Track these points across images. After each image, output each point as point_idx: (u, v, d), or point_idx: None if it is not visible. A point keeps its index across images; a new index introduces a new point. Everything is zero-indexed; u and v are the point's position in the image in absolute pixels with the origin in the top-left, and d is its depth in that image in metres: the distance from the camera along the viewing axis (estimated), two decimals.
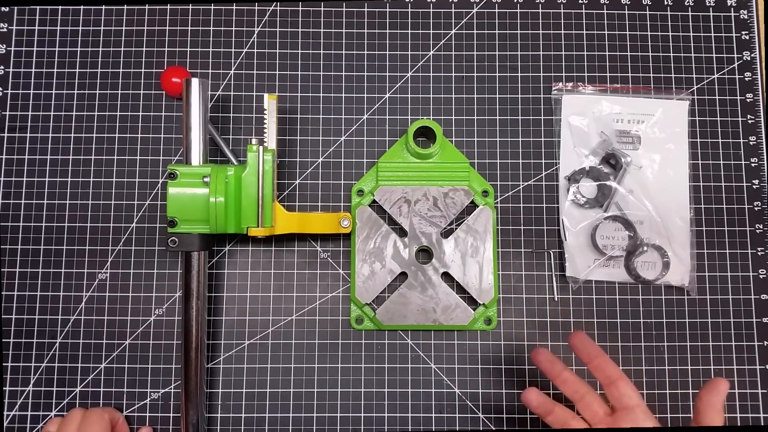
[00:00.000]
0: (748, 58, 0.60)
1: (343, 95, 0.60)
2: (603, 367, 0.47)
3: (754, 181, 0.59)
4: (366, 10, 0.61)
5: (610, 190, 0.57)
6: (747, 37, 0.61)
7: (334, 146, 0.59)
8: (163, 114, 0.59)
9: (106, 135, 0.59)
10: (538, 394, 0.48)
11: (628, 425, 0.45)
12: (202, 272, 0.52)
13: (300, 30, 0.60)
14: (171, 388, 0.56)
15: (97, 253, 0.57)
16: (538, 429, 0.47)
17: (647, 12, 0.61)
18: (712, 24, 0.61)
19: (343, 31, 0.60)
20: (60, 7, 0.60)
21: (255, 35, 0.60)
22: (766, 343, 0.57)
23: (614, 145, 0.58)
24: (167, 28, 0.60)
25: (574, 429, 0.46)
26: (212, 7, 0.60)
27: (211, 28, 0.60)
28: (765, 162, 0.59)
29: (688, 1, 0.61)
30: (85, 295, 0.57)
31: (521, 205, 0.58)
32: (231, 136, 0.59)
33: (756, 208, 0.58)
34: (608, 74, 0.60)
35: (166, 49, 0.60)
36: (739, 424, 0.55)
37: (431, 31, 0.60)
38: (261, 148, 0.51)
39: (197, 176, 0.51)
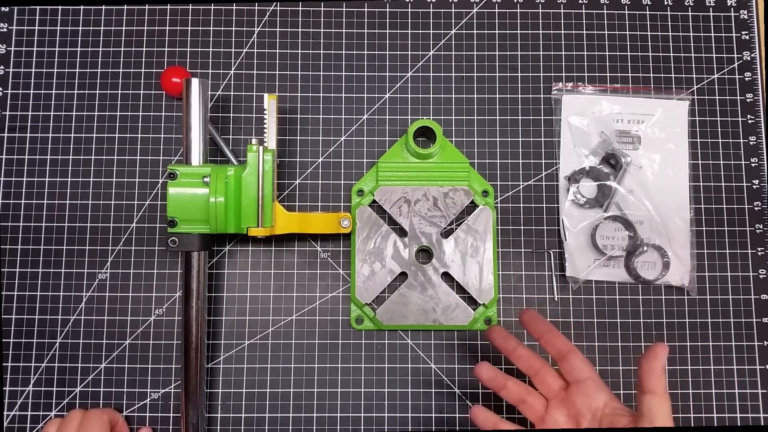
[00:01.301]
0: (748, 58, 0.60)
1: (343, 95, 0.60)
2: (553, 342, 0.47)
3: (754, 181, 0.59)
4: (366, 10, 0.61)
5: (610, 190, 0.57)
6: (747, 37, 0.61)
7: (334, 146, 0.59)
8: (163, 114, 0.59)
9: (106, 135, 0.59)
10: (490, 368, 0.48)
11: (581, 397, 0.45)
12: (202, 272, 0.52)
13: (300, 30, 0.60)
14: (171, 388, 0.56)
15: (97, 253, 0.57)
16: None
17: (647, 12, 0.61)
18: (712, 24, 0.61)
19: (343, 31, 0.60)
20: (60, 7, 0.60)
21: (255, 35, 0.60)
22: (766, 343, 0.57)
23: (614, 145, 0.58)
24: (167, 28, 0.60)
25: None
26: (212, 7, 0.60)
27: (211, 28, 0.60)
28: (765, 162, 0.59)
29: (688, 1, 0.61)
30: (85, 295, 0.57)
31: (521, 205, 0.58)
32: (231, 136, 0.59)
33: (756, 208, 0.58)
34: (608, 74, 0.60)
35: (166, 49, 0.60)
36: (739, 424, 0.55)
37: (431, 31, 0.60)
38: (261, 148, 0.51)
39: (197, 176, 0.51)
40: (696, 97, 0.60)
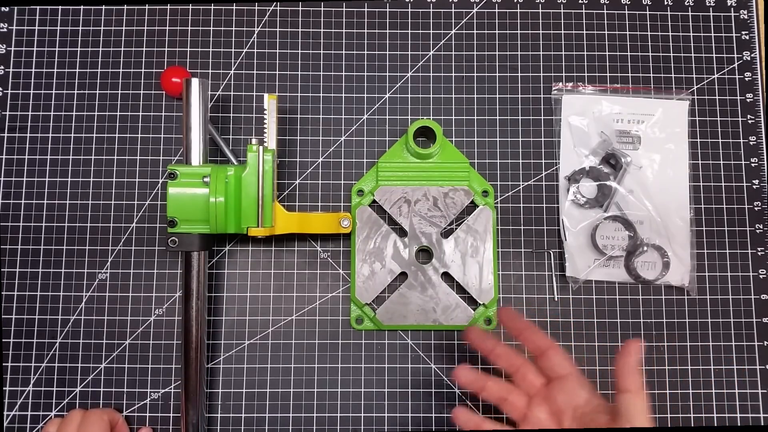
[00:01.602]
0: (748, 58, 0.60)
1: (343, 95, 0.60)
2: (533, 339, 0.47)
3: (754, 181, 0.59)
4: (366, 10, 0.61)
5: (610, 190, 0.57)
6: (747, 37, 0.61)
7: (334, 146, 0.59)
8: (163, 114, 0.59)
9: (106, 135, 0.59)
10: (468, 371, 0.48)
11: (563, 394, 0.45)
12: (202, 272, 0.52)
13: (300, 30, 0.60)
14: (171, 388, 0.56)
15: (97, 253, 0.57)
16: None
17: (647, 12, 0.61)
18: (712, 24, 0.61)
19: (343, 31, 0.60)
20: (60, 7, 0.60)
21: (255, 35, 0.60)
22: (766, 343, 0.57)
23: (614, 145, 0.58)
24: (167, 28, 0.60)
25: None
26: (212, 7, 0.60)
27: (211, 28, 0.60)
28: (765, 162, 0.59)
29: (688, 1, 0.61)
30: (85, 295, 0.57)
31: (521, 205, 0.58)
32: (231, 136, 0.59)
33: (756, 208, 0.58)
34: (608, 74, 0.60)
35: (166, 49, 0.60)
36: (739, 424, 0.55)
37: (431, 31, 0.60)
38: (261, 148, 0.51)
39: (197, 176, 0.51)
40: (696, 97, 0.60)
